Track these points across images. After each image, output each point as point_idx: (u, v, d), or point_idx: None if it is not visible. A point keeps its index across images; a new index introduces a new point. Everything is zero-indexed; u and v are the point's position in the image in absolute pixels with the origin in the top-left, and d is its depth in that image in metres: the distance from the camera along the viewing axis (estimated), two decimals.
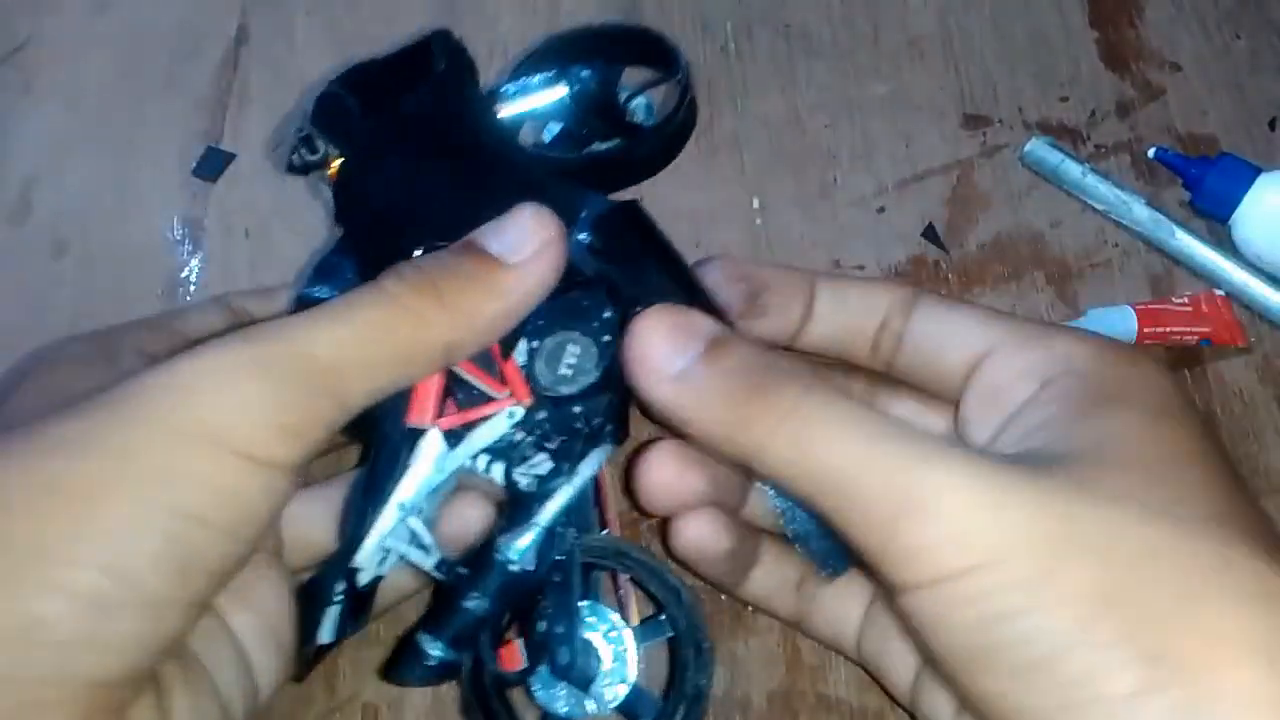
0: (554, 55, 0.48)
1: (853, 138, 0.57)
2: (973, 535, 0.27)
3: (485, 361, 0.38)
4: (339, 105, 0.41)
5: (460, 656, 0.39)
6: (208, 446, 0.29)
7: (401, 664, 0.39)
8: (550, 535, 0.38)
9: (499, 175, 0.40)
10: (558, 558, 0.39)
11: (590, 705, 0.39)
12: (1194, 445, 0.31)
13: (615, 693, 0.40)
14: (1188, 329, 0.49)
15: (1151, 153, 0.54)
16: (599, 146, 0.45)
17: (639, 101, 0.47)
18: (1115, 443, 0.30)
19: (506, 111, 0.46)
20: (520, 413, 0.39)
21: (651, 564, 0.40)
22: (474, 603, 0.38)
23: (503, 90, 0.47)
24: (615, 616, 0.40)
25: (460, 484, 0.41)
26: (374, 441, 0.39)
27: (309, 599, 0.39)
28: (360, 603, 0.41)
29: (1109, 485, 0.28)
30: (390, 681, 0.44)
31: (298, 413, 0.31)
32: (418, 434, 0.38)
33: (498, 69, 0.61)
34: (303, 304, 0.38)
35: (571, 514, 0.39)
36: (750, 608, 0.45)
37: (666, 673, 0.41)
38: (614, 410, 0.39)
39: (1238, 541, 0.28)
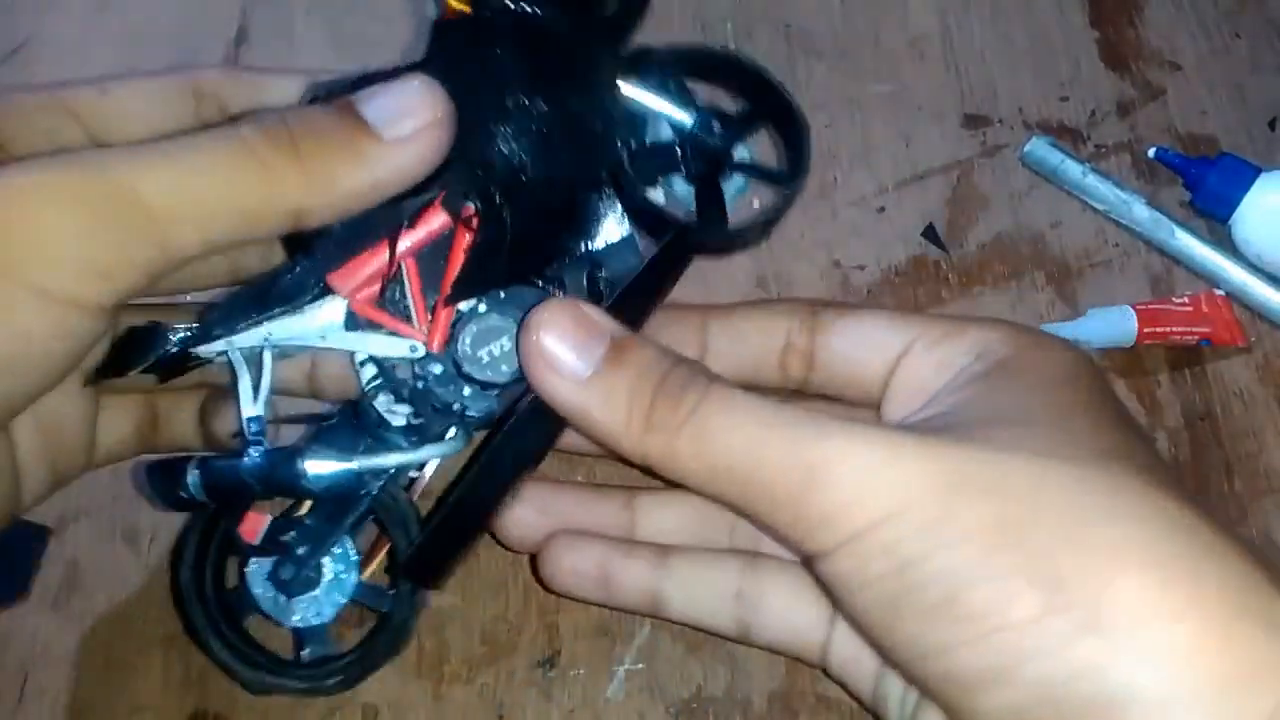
0: (713, 71, 0.43)
1: (853, 137, 0.57)
2: (873, 492, 0.28)
3: (431, 289, 0.39)
4: None
5: (207, 503, 0.40)
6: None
7: (159, 477, 0.40)
8: (356, 478, 0.39)
9: (580, 136, 0.39)
10: (357, 493, 0.40)
11: (279, 610, 0.41)
12: (1085, 402, 0.32)
13: (306, 616, 0.41)
14: (1188, 329, 0.49)
15: (1152, 153, 0.54)
16: (674, 186, 0.42)
17: (738, 177, 0.43)
18: (1006, 406, 0.31)
19: (627, 89, 0.41)
20: (421, 352, 0.39)
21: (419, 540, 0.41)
22: (250, 476, 0.39)
23: (644, 69, 0.41)
24: (354, 557, 0.41)
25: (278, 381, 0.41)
26: (290, 260, 0.39)
27: (128, 343, 0.39)
28: (173, 367, 0.40)
29: (998, 438, 0.29)
30: (144, 488, 0.44)
31: (111, 253, 0.29)
32: (329, 293, 0.38)
33: None
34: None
35: (385, 474, 0.40)
36: None
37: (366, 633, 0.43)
38: (490, 420, 0.40)
39: (1124, 471, 0.29)
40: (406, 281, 0.39)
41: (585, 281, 0.40)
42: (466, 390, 0.40)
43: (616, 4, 0.39)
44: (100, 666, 0.47)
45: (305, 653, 0.42)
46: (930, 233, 0.54)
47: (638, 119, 0.41)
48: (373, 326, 0.39)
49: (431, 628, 0.47)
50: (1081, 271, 0.53)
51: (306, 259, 0.38)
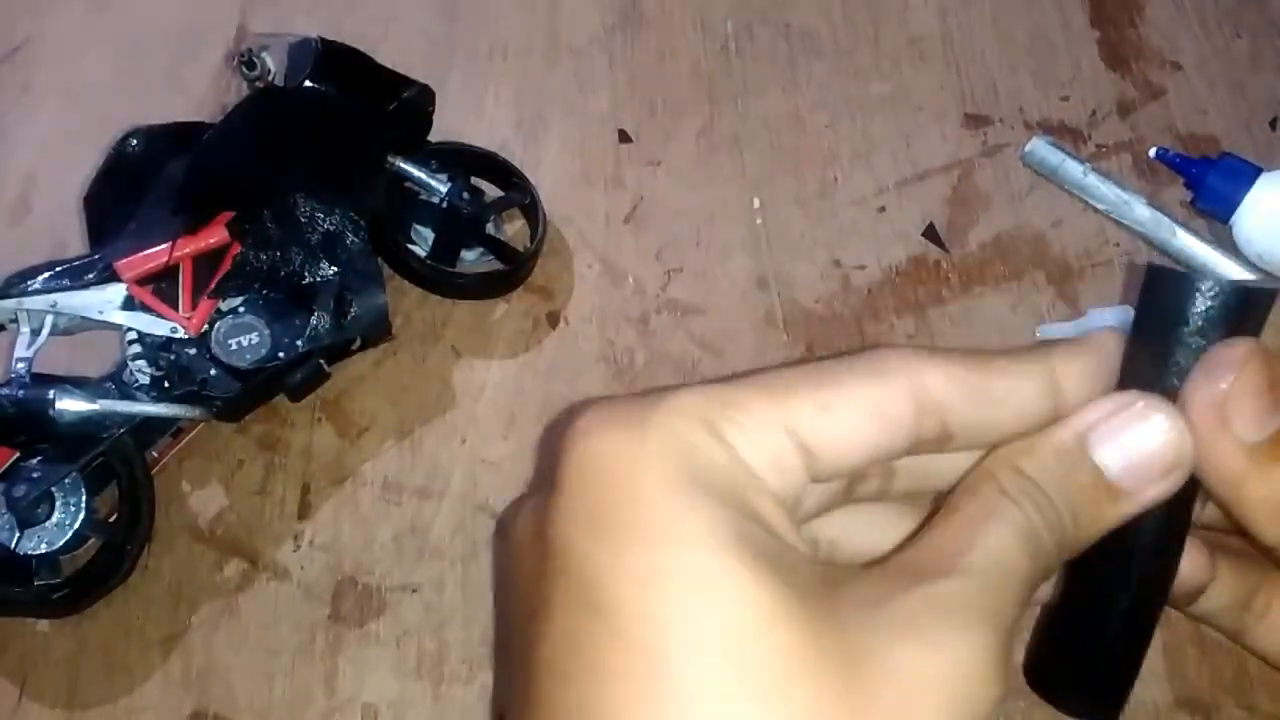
0: (476, 164, 0.56)
1: (853, 137, 0.57)
2: None
3: (201, 280, 0.49)
4: (330, 63, 0.51)
5: None
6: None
7: None
8: (98, 419, 0.47)
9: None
10: (98, 435, 0.47)
11: (12, 540, 0.47)
12: None
13: (35, 545, 0.47)
14: None
15: (1153, 152, 0.54)
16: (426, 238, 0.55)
17: (479, 248, 0.55)
18: None
19: (399, 162, 0.54)
20: (181, 334, 0.49)
21: (140, 516, 0.48)
22: (6, 400, 0.46)
23: (415, 153, 0.55)
24: (85, 496, 0.48)
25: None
26: (102, 233, 0.50)
27: None
28: None
29: None
30: None
31: None
32: (114, 277, 0.48)
33: (498, 68, 0.61)
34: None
35: (124, 421, 0.48)
36: None
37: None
38: (227, 400, 0.50)
39: None
40: (181, 277, 0.49)
41: (333, 302, 0.50)
42: (213, 370, 0.49)
43: (396, 101, 0.52)
44: (100, 667, 0.47)
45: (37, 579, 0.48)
46: (931, 232, 0.54)
47: (406, 184, 0.54)
48: (145, 308, 0.49)
49: (432, 627, 0.47)
50: (1082, 271, 0.53)
51: (102, 249, 0.49)
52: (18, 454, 0.48)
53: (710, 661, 0.22)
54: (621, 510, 0.23)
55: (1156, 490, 0.27)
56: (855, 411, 0.25)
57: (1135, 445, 0.26)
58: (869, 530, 0.30)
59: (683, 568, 0.22)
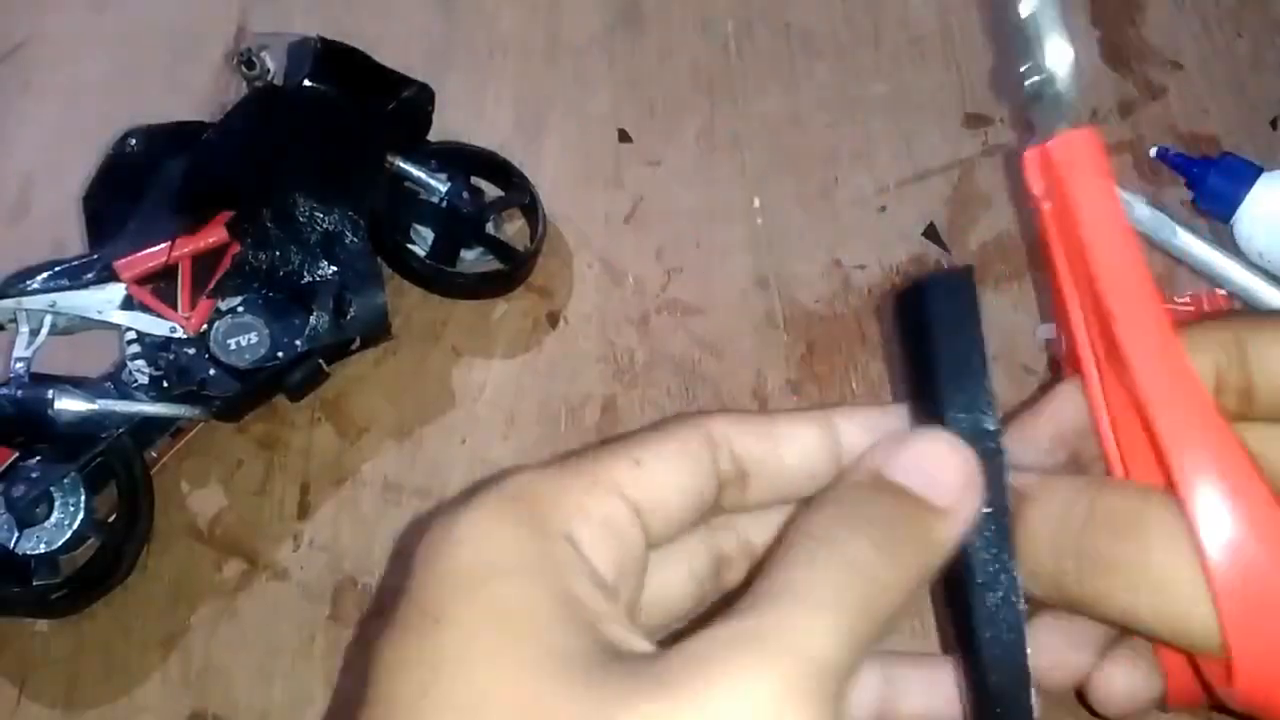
0: (473, 163, 0.56)
1: (854, 137, 0.57)
2: None
3: (200, 280, 0.50)
4: (329, 62, 0.51)
5: None
6: None
7: None
8: (97, 419, 0.48)
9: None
10: (97, 435, 0.47)
11: (11, 540, 0.47)
12: None
13: (34, 545, 0.47)
14: None
15: (1153, 152, 0.54)
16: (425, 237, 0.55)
17: (479, 247, 0.55)
18: None
19: (398, 161, 0.55)
20: (180, 333, 0.49)
21: (138, 505, 0.48)
22: (5, 400, 0.47)
23: (413, 151, 0.55)
24: (84, 496, 0.48)
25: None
26: (101, 232, 0.50)
27: None
28: None
29: None
30: None
31: None
32: (113, 277, 0.49)
33: (498, 68, 0.61)
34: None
35: (123, 421, 0.48)
36: None
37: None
38: (227, 399, 0.50)
39: None
40: (180, 276, 0.49)
41: (332, 301, 0.51)
42: (212, 370, 0.50)
43: (395, 100, 0.52)
44: (99, 667, 0.47)
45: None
46: (931, 232, 0.54)
47: (406, 184, 0.54)
48: (144, 308, 0.49)
49: None
50: None
51: (101, 248, 0.50)
52: (17, 454, 0.48)
53: None
54: (412, 609, 0.24)
55: (972, 502, 0.27)
56: (663, 460, 0.27)
57: (927, 462, 0.27)
58: None
59: (445, 657, 0.23)
